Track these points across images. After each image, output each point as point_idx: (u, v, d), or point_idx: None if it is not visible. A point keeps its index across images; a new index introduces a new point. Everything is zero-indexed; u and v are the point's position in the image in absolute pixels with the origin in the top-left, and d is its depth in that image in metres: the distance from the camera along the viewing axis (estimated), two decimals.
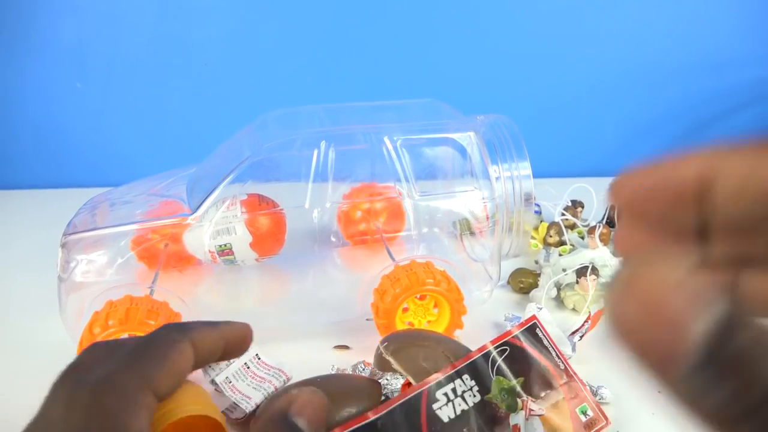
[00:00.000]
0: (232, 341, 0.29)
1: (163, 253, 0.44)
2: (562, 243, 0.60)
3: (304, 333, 0.48)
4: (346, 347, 0.47)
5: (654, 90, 0.82)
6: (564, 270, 0.53)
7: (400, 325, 0.44)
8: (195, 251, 0.44)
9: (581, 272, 0.50)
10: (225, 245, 0.43)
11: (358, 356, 0.45)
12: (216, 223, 0.43)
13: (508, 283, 0.55)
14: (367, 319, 0.46)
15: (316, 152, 0.43)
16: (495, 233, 0.46)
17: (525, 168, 0.46)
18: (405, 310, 0.45)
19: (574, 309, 0.51)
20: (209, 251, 0.44)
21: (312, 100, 0.53)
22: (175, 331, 0.26)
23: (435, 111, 0.50)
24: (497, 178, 0.45)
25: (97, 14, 0.75)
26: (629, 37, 0.79)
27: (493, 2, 0.77)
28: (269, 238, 0.45)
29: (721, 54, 0.80)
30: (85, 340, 0.38)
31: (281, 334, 0.48)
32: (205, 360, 0.28)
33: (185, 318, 0.42)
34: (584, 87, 0.82)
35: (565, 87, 0.82)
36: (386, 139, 0.45)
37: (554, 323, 0.43)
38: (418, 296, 0.44)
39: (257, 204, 0.44)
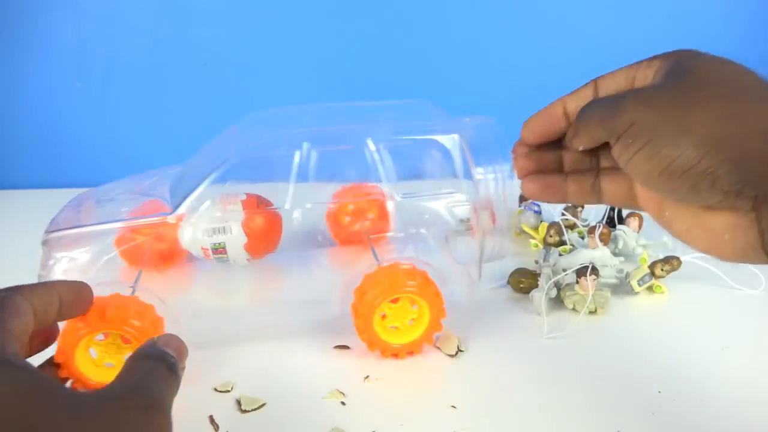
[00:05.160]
0: (66, 296, 0.31)
1: (146, 252, 0.44)
2: (562, 243, 0.60)
3: (303, 333, 0.48)
4: (346, 347, 0.47)
5: None
6: (564, 270, 0.53)
7: (381, 330, 0.44)
8: (189, 247, 0.44)
9: (581, 272, 0.50)
10: (219, 244, 0.43)
11: (358, 356, 0.45)
12: (212, 221, 0.43)
13: (508, 283, 0.55)
14: None
15: (297, 153, 0.43)
16: (477, 235, 0.46)
17: (508, 170, 0.45)
18: (383, 317, 0.45)
19: (574, 309, 0.51)
20: (202, 248, 0.44)
21: (309, 100, 0.53)
22: (4, 290, 0.28)
23: (421, 112, 0.50)
24: (480, 180, 0.45)
25: (96, 14, 0.75)
26: (628, 37, 0.78)
27: (486, 2, 0.76)
28: (263, 241, 0.45)
29: (720, 54, 0.79)
30: (67, 333, 0.38)
31: (276, 332, 0.48)
32: (43, 311, 0.29)
33: (168, 318, 0.43)
34: None
35: (564, 87, 0.81)
36: (369, 141, 0.45)
37: None
38: (392, 300, 0.44)
39: (255, 206, 0.44)
